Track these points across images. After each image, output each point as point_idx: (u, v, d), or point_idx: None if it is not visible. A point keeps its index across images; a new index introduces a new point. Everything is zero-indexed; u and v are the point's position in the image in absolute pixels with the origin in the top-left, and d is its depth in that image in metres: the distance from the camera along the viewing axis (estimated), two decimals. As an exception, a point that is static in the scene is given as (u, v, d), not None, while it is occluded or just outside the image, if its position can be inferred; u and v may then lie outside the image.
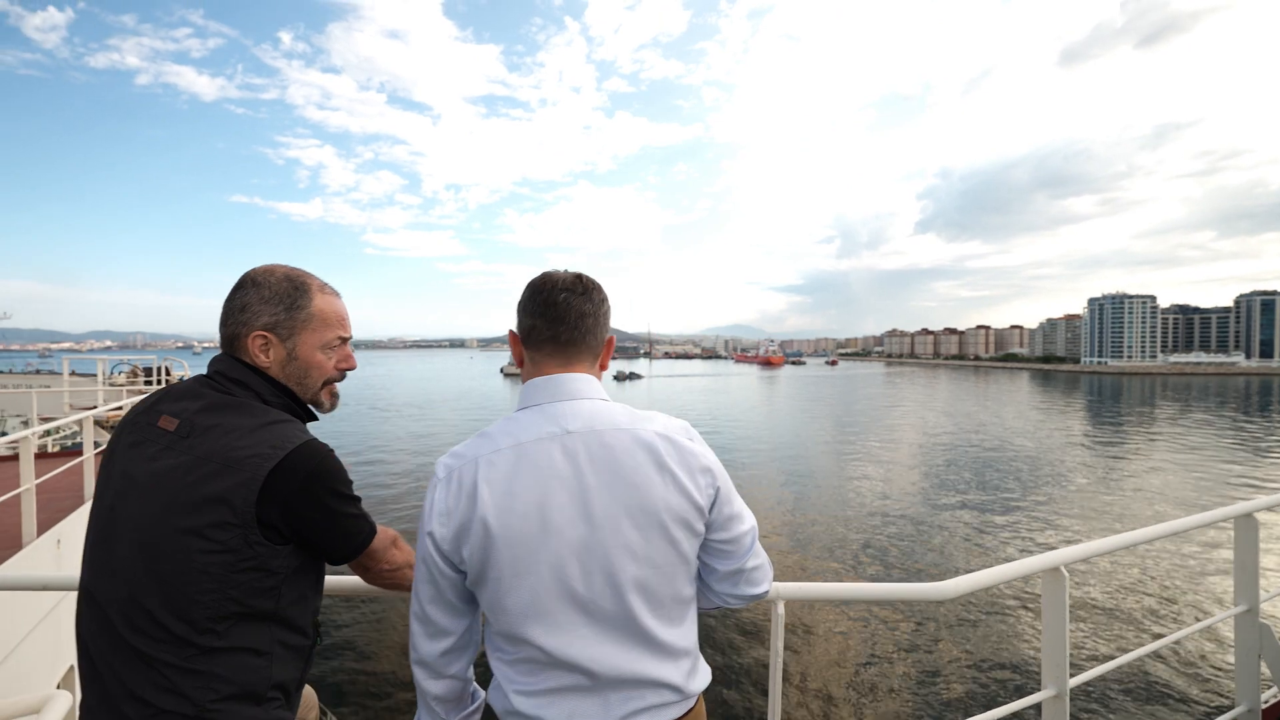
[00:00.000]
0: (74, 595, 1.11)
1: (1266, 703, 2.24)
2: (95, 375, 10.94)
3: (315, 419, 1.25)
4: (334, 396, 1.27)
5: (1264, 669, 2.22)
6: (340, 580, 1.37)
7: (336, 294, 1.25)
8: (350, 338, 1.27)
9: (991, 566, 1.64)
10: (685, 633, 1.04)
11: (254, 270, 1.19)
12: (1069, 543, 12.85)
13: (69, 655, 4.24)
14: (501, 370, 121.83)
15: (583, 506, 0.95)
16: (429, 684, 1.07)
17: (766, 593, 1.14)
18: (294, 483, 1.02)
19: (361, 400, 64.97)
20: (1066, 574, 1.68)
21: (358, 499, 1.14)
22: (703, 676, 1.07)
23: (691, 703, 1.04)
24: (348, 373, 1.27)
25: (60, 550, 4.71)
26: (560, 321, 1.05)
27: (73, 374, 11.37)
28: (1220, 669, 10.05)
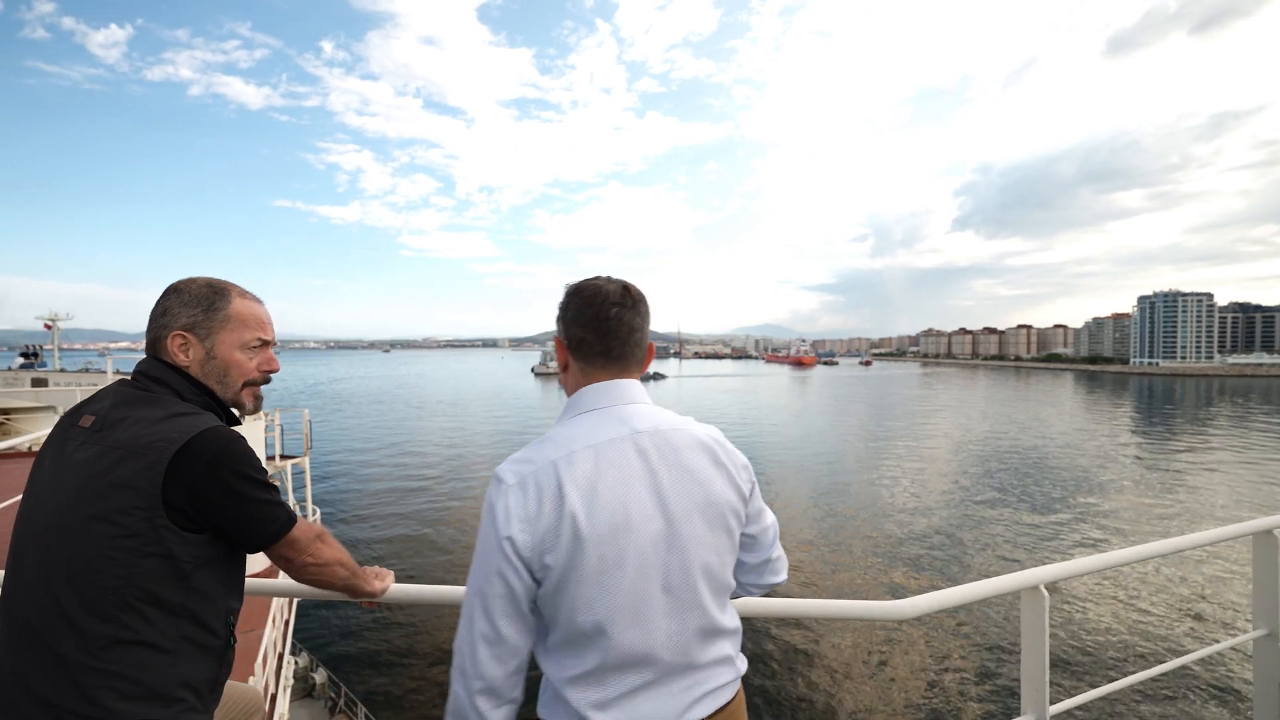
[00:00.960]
0: None
1: None
2: (136, 373, 11.53)
3: (238, 421, 1.25)
4: (257, 399, 1.27)
5: None
6: (269, 582, 1.37)
7: (258, 300, 1.27)
8: (272, 341, 1.27)
9: (966, 584, 1.54)
10: (733, 615, 1.11)
11: (178, 280, 1.22)
12: (1062, 557, 12.00)
13: None
14: (533, 370, 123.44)
15: (659, 502, 0.99)
16: (494, 714, 0.96)
17: (784, 581, 1.22)
18: (199, 465, 1.03)
19: (397, 399, 66.81)
20: (1046, 593, 1.57)
21: (272, 486, 1.13)
22: (743, 658, 1.11)
23: (739, 685, 1.08)
24: (272, 375, 1.27)
25: None
26: (612, 336, 1.07)
27: (116, 372, 12.00)
28: (1232, 698, 9.27)
